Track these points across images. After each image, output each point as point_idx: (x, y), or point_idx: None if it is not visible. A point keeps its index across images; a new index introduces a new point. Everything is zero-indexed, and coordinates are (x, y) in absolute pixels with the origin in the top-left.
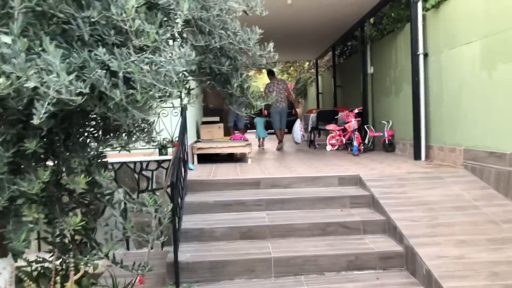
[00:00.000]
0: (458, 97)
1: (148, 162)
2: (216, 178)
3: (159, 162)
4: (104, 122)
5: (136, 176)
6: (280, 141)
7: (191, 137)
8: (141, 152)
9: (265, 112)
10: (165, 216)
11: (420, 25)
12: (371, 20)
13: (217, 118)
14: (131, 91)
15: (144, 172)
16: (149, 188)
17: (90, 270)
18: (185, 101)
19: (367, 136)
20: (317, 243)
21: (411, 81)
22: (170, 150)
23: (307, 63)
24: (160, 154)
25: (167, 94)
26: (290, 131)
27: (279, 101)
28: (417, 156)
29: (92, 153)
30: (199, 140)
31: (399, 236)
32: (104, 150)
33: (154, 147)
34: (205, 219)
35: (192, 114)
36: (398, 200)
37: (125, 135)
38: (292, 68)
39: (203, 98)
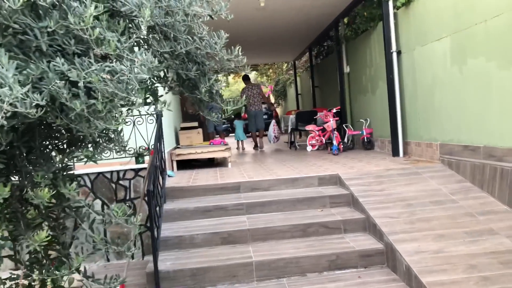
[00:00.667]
0: (431, 92)
1: (125, 171)
2: (196, 184)
3: (136, 171)
4: (69, 134)
5: (113, 186)
6: (257, 144)
7: (169, 143)
8: (117, 161)
9: (245, 115)
10: (136, 227)
11: (392, 23)
12: (345, 20)
13: (195, 124)
14: (92, 101)
15: (121, 182)
16: (127, 197)
17: (66, 285)
18: (152, 109)
19: (346, 135)
20: (298, 245)
21: (385, 79)
22: (147, 158)
23: (286, 64)
24: (137, 162)
25: (130, 102)
26: None
27: (252, 105)
28: (395, 153)
29: (57, 165)
30: (178, 146)
31: (379, 234)
32: (76, 162)
33: (131, 155)
34: (186, 226)
35: (170, 120)
36: (377, 197)
37: (91, 146)
38: (270, 70)
39: (181, 104)
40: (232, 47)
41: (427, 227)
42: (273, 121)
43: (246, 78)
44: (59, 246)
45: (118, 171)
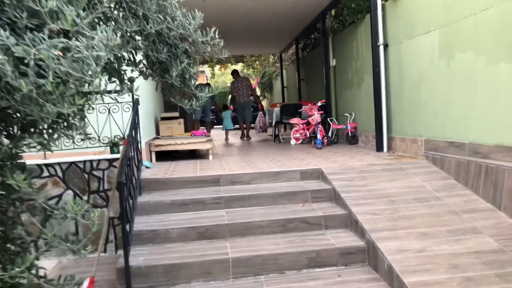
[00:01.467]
0: (418, 87)
1: (99, 161)
2: (174, 176)
3: (111, 161)
4: (20, 118)
5: (86, 176)
6: (244, 134)
7: (148, 133)
8: (91, 151)
9: (231, 106)
10: (93, 224)
11: (379, 15)
12: (332, 12)
13: (176, 114)
14: (41, 81)
15: (94, 172)
16: (101, 188)
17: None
18: (127, 96)
19: (331, 129)
20: (278, 241)
21: (371, 72)
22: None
23: (272, 57)
24: (112, 152)
25: (87, 84)
26: None
27: (242, 96)
28: (379, 148)
29: (3, 152)
30: (157, 136)
31: (361, 231)
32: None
33: (105, 144)
34: (161, 219)
35: (149, 109)
36: (359, 193)
37: (45, 133)
38: (257, 63)
39: (164, 92)
40: (208, 28)
41: (410, 225)
42: (260, 113)
43: (235, 72)
44: (9, 242)
45: (91, 161)
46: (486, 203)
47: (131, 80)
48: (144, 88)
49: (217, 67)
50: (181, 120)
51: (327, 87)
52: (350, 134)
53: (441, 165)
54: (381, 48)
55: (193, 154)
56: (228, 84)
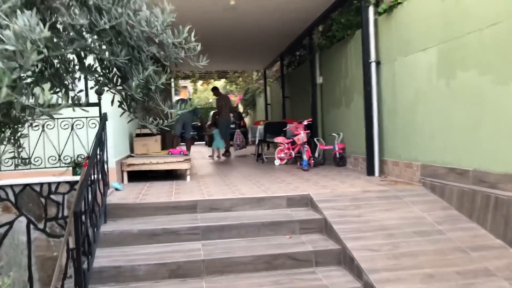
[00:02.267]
0: (413, 108)
1: (58, 183)
2: (145, 201)
3: (72, 184)
4: None
5: (43, 200)
6: (226, 150)
7: (121, 151)
8: (50, 171)
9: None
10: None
11: (371, 31)
12: (320, 28)
13: (153, 130)
14: None
15: (53, 196)
16: (60, 215)
17: None
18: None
19: (317, 150)
20: (262, 281)
21: (362, 91)
22: None
23: (256, 73)
24: (74, 173)
25: None
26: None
27: (226, 114)
28: (370, 172)
29: None
30: (131, 155)
31: (357, 270)
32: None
33: (67, 165)
34: (127, 253)
35: (122, 125)
36: (354, 224)
37: None
38: (240, 79)
39: (122, 107)
40: (181, 26)
41: (414, 264)
42: (238, 131)
43: (216, 89)
44: None
45: (49, 183)
46: (495, 239)
47: (99, 93)
48: (81, 96)
49: (200, 82)
50: (158, 138)
51: (313, 106)
52: (338, 156)
53: (440, 194)
54: (373, 66)
55: (170, 174)
56: (211, 100)
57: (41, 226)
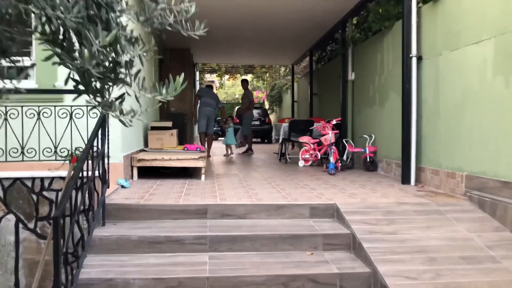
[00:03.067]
0: (460, 109)
1: (52, 179)
2: (150, 202)
3: None
4: None
5: (35, 197)
6: (250, 148)
7: (132, 145)
8: (46, 164)
9: (236, 119)
10: None
11: (414, 22)
12: (354, 20)
13: (169, 123)
14: None
15: (45, 193)
16: (52, 214)
17: None
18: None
19: (346, 152)
20: None
21: (399, 89)
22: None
23: (283, 68)
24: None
25: None
26: (263, 140)
27: (252, 109)
28: (405, 180)
29: None
30: (144, 149)
31: None
32: None
33: (64, 158)
34: (123, 263)
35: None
36: (387, 243)
37: None
38: (267, 74)
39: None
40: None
41: None
42: (241, 128)
43: (245, 82)
44: None
45: (42, 179)
46: None
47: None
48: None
49: (226, 76)
50: (174, 131)
51: (343, 104)
52: (368, 159)
53: (491, 211)
54: (414, 61)
55: (185, 171)
56: (237, 96)
57: (31, 225)
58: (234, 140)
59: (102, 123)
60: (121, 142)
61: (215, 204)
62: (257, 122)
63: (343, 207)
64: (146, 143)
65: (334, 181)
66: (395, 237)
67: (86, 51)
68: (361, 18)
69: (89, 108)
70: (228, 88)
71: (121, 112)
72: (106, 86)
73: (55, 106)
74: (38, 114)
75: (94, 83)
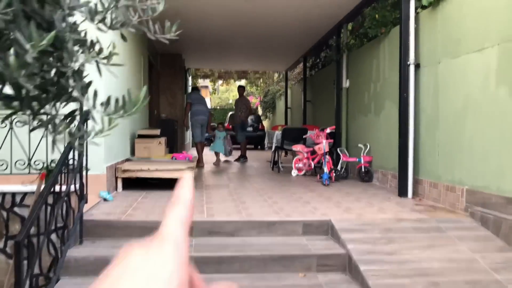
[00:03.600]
0: (461, 120)
1: (24, 194)
2: (132, 218)
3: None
4: None
5: (5, 214)
6: (243, 155)
7: (117, 155)
8: (18, 178)
9: (228, 125)
10: None
11: (412, 28)
12: (349, 26)
13: (157, 131)
14: None
15: (16, 209)
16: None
17: None
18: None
19: (340, 161)
20: None
21: (396, 98)
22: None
23: (277, 74)
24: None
25: None
26: (256, 146)
27: (246, 116)
28: (402, 192)
29: None
30: (130, 158)
31: None
32: None
33: (38, 171)
34: None
35: (124, 123)
36: (385, 265)
37: None
38: (261, 80)
39: (151, 103)
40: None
41: None
42: (228, 135)
43: (242, 89)
44: None
45: (13, 194)
46: None
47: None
48: (114, 90)
49: (220, 82)
50: (162, 140)
51: (337, 112)
52: (363, 170)
53: (495, 229)
54: (412, 69)
55: (174, 181)
56: (231, 101)
57: (0, 245)
58: (223, 148)
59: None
60: (104, 151)
61: (202, 221)
62: (250, 129)
63: (338, 224)
64: (133, 152)
65: (329, 192)
66: (394, 258)
67: (12, 58)
68: (357, 24)
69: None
70: (222, 93)
71: (70, 133)
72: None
73: (29, 115)
74: (11, 123)
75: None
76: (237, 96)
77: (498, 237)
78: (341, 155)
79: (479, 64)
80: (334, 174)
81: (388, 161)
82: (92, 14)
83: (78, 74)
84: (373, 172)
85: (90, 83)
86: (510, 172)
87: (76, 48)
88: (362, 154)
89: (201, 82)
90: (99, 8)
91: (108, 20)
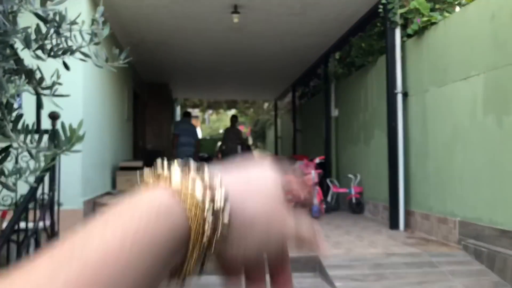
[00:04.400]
0: (450, 149)
1: None
2: None
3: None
4: None
5: None
6: None
7: (96, 188)
8: None
9: (219, 154)
10: None
11: (398, 56)
12: (337, 56)
13: (139, 163)
14: None
15: None
16: None
17: None
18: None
19: (330, 192)
20: None
21: (385, 127)
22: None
23: (266, 104)
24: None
25: None
26: None
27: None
28: (393, 225)
29: None
30: (111, 191)
31: None
32: None
33: (7, 207)
34: None
35: (104, 154)
36: None
37: None
38: (251, 110)
39: (135, 134)
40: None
41: None
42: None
43: (235, 119)
44: None
45: None
46: None
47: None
48: (94, 122)
49: (209, 111)
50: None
51: (327, 141)
52: (354, 201)
53: (489, 263)
54: (399, 98)
55: None
56: (221, 131)
57: None
58: None
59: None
60: (81, 185)
61: None
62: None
63: (326, 261)
64: (114, 185)
65: (318, 226)
66: None
67: None
68: (344, 53)
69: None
70: (213, 123)
71: (2, 172)
72: None
73: None
74: None
75: None
76: (228, 125)
77: (493, 271)
78: (331, 185)
79: (466, 92)
80: (324, 206)
81: (379, 192)
82: (28, 41)
83: (8, 107)
84: (364, 204)
85: (21, 116)
86: (502, 204)
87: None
88: (352, 185)
89: (190, 111)
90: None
91: (48, 47)
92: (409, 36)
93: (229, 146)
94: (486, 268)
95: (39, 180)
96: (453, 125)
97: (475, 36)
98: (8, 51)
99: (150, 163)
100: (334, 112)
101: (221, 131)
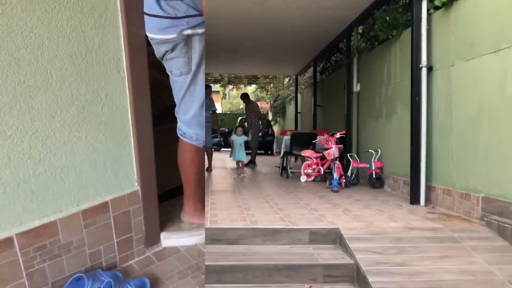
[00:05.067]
0: (476, 124)
1: None
2: None
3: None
4: None
5: None
6: (251, 161)
7: None
8: None
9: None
10: None
11: (424, 30)
12: (359, 29)
13: None
14: None
15: None
16: None
17: None
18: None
19: (350, 167)
20: None
21: (408, 102)
22: None
23: (287, 79)
24: None
25: None
26: (266, 152)
27: (256, 121)
28: (414, 200)
29: None
30: None
31: None
32: None
33: None
34: None
35: None
36: (395, 277)
37: None
38: (271, 85)
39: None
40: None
41: None
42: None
43: (245, 97)
44: None
45: None
46: None
47: None
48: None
49: (230, 87)
50: None
51: (348, 116)
52: (374, 176)
53: None
54: (424, 72)
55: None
56: (241, 106)
57: None
58: (245, 155)
59: None
60: None
61: (205, 228)
62: (260, 134)
63: (346, 233)
64: None
65: (338, 199)
66: (405, 269)
67: None
68: (367, 27)
69: None
70: (234, 98)
71: None
72: None
73: None
74: None
75: None
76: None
77: None
78: (351, 160)
79: (495, 66)
80: (344, 180)
81: (399, 167)
82: None
83: None
84: (384, 179)
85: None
86: None
87: None
88: (373, 160)
89: (211, 86)
90: None
91: None
92: (436, 8)
93: (249, 122)
94: (510, 245)
95: None
96: (480, 100)
97: (506, 7)
98: None
99: None
100: (356, 87)
101: (241, 106)
